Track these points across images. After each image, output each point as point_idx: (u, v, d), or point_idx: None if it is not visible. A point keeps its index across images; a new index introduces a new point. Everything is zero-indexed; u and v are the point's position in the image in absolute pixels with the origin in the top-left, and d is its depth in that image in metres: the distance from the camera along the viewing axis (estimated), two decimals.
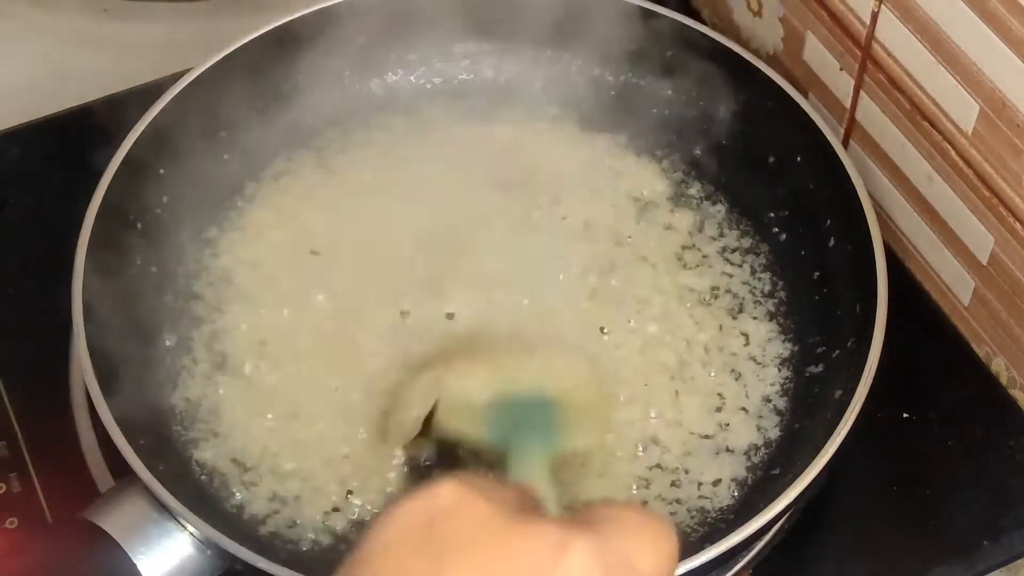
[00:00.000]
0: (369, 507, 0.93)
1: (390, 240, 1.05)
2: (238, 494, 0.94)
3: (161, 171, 1.04)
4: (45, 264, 1.07)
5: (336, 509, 0.93)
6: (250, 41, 1.07)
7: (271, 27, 1.07)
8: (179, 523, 0.86)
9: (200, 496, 0.93)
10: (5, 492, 0.98)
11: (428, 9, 1.13)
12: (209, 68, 1.05)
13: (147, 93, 1.04)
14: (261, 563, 0.84)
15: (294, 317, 1.02)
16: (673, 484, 0.95)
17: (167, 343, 1.00)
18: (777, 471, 0.94)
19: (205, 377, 0.99)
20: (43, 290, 1.05)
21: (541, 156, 1.11)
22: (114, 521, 0.86)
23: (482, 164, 1.10)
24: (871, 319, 0.92)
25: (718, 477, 0.95)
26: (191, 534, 0.86)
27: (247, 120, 1.09)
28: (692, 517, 0.93)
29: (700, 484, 0.95)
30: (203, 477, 0.95)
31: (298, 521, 0.93)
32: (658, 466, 0.95)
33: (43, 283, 1.06)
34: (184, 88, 1.04)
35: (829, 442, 0.88)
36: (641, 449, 0.96)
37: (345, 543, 0.92)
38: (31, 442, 1.00)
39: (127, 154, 1.00)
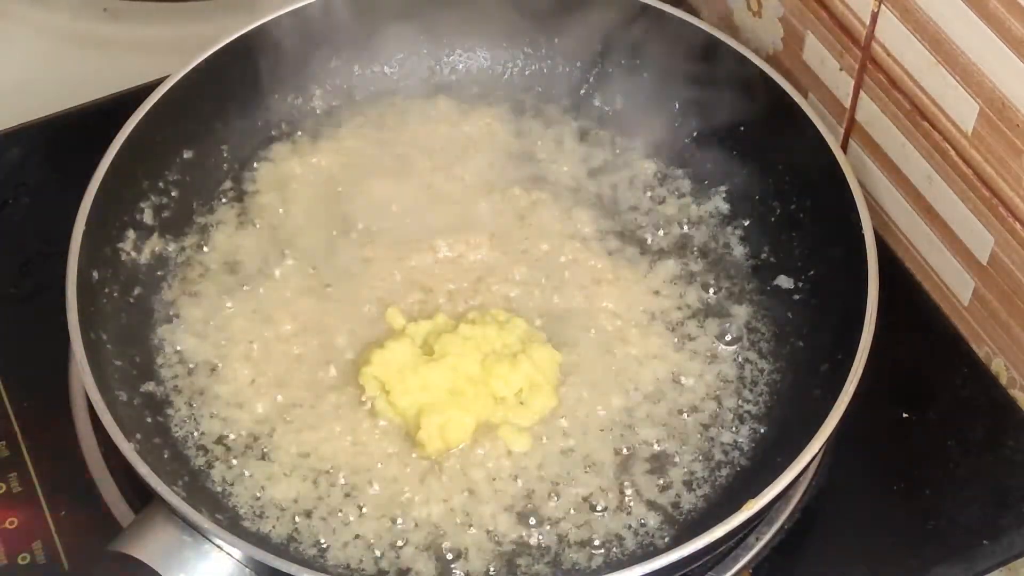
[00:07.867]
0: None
1: None
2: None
3: (155, 164, 1.05)
4: (45, 264, 1.08)
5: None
6: (230, 42, 1.07)
7: (249, 28, 1.07)
8: (213, 543, 0.85)
9: (222, 510, 0.92)
10: (5, 492, 0.98)
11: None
12: (189, 71, 1.05)
13: (146, 93, 1.04)
14: (305, 574, 0.84)
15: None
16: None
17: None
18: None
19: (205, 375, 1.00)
20: (43, 290, 1.05)
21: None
22: (146, 547, 0.85)
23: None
24: (861, 319, 0.92)
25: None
26: (228, 554, 0.85)
27: (239, 113, 1.10)
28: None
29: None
30: (218, 489, 0.94)
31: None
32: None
33: (43, 283, 1.06)
34: (166, 92, 1.04)
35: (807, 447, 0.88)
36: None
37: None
38: (31, 442, 1.00)
39: (116, 153, 1.00)
